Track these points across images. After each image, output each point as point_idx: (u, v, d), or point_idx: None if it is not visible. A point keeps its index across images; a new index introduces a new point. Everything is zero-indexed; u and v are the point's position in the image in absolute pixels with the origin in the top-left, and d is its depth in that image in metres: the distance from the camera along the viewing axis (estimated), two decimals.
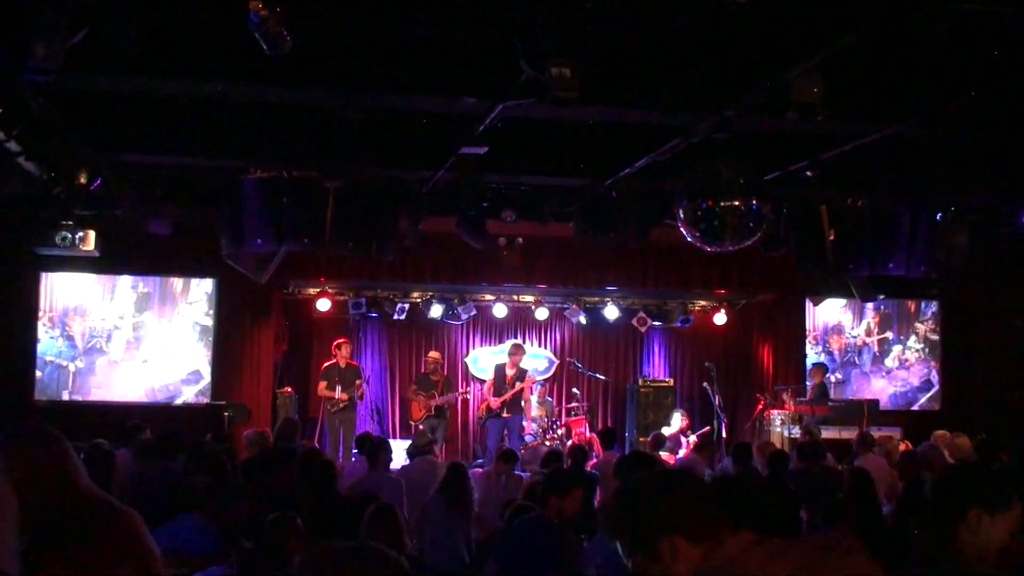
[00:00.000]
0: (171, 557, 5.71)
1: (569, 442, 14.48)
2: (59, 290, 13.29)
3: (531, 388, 15.30)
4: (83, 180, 9.17)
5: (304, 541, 5.13)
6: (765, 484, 7.97)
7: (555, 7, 5.87)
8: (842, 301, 15.65)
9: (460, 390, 15.86)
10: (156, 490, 7.78)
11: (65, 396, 13.14)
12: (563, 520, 5.92)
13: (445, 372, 15.43)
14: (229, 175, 9.85)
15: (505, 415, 14.61)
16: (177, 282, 13.70)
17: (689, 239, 8.08)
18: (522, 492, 7.86)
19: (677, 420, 14.96)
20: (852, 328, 16.09)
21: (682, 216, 7.94)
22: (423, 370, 15.45)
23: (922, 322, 16.21)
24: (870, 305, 15.47)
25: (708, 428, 15.29)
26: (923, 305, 16.17)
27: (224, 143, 9.19)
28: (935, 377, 16.08)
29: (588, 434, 14.99)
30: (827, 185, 9.98)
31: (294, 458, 8.26)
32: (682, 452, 14.08)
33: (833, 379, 15.73)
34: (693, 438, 14.81)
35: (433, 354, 15.31)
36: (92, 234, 10.67)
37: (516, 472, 10.58)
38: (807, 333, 15.85)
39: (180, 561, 5.59)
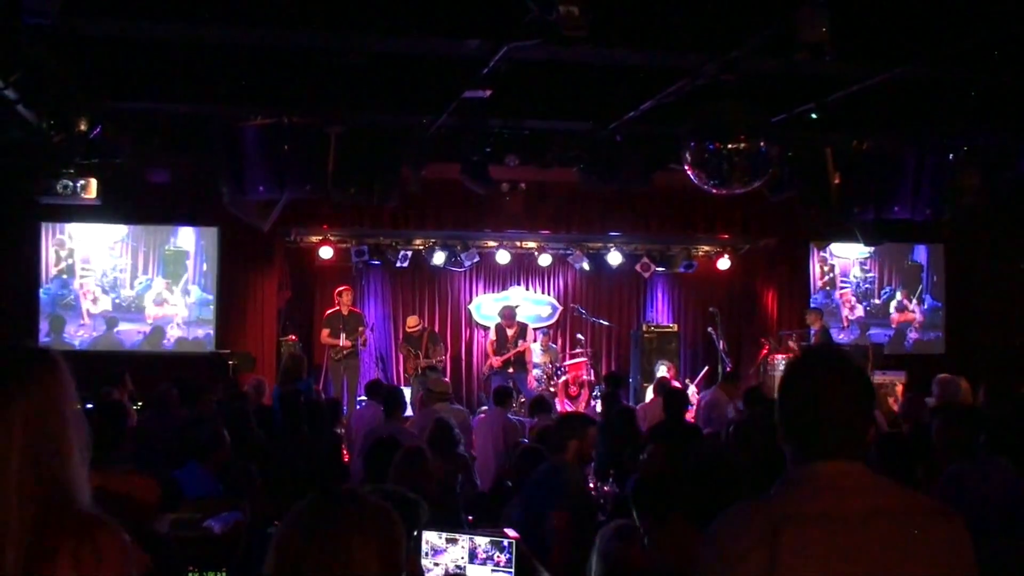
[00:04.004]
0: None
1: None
2: (61, 239, 13.24)
3: (534, 336, 15.29)
4: (83, 128, 9.09)
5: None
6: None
7: None
8: (846, 245, 15.57)
9: (439, 357, 15.10)
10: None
11: (68, 345, 13.14)
12: (582, 460, 6.16)
13: (436, 328, 15.63)
14: (229, 122, 9.77)
15: (510, 371, 14.75)
16: (180, 230, 13.65)
17: (696, 181, 8.02)
18: (533, 436, 7.89)
19: (662, 371, 14.68)
20: (856, 272, 16.04)
21: (689, 158, 7.87)
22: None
23: (927, 265, 16.16)
24: (873, 248, 15.41)
25: (707, 368, 15.26)
26: (928, 248, 16.09)
27: (224, 90, 9.12)
28: (939, 320, 16.06)
29: (588, 377, 15.01)
30: (832, 127, 9.90)
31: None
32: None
33: None
34: (692, 388, 14.67)
35: (412, 319, 15.20)
36: (93, 182, 10.60)
37: (518, 418, 10.63)
38: (811, 277, 15.82)
39: (189, 507, 5.68)
